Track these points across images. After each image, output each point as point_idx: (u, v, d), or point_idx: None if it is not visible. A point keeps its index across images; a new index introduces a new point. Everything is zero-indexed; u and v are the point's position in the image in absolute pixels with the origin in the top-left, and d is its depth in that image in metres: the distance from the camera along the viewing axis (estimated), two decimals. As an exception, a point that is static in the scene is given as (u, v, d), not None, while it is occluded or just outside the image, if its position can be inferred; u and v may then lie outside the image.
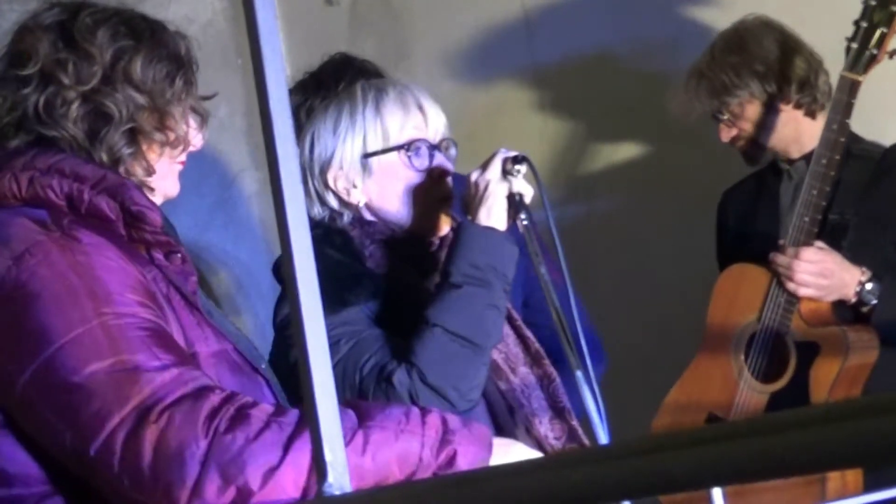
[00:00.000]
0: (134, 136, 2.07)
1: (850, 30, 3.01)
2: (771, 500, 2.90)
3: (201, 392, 1.80)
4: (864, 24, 2.99)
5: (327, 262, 2.53)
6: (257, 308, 4.12)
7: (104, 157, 2.04)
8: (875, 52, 2.98)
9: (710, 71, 3.23)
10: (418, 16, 4.42)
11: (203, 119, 2.19)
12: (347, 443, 1.82)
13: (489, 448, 1.95)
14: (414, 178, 2.63)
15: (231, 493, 1.75)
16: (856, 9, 3.02)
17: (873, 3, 2.97)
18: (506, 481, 0.92)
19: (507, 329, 2.65)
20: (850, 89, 2.98)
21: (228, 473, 1.74)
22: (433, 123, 2.66)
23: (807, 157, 3.15)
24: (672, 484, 0.78)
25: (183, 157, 2.17)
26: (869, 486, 2.82)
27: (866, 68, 2.98)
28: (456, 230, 2.58)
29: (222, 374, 1.99)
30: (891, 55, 2.99)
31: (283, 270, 1.15)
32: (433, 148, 2.65)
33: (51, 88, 2.05)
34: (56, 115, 2.04)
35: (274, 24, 1.19)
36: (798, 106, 3.21)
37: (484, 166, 2.57)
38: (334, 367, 2.46)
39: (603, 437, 2.33)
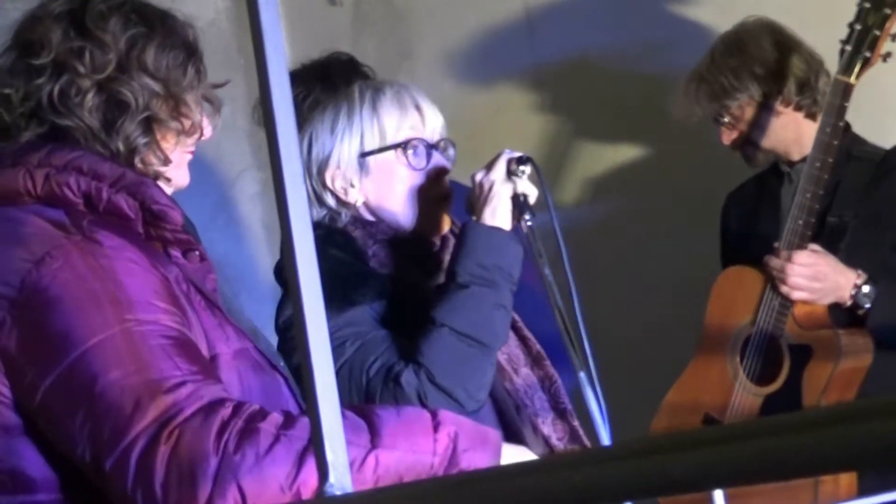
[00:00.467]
0: (149, 124, 2.04)
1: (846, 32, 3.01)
2: (761, 502, 2.90)
3: (213, 406, 1.77)
4: (858, 27, 2.98)
5: (331, 262, 2.53)
6: (258, 309, 4.12)
7: (120, 147, 2.01)
8: (868, 55, 2.97)
9: (709, 74, 3.23)
10: (421, 16, 4.42)
11: (215, 107, 2.17)
12: (359, 466, 1.81)
13: (498, 453, 1.94)
14: (411, 177, 2.63)
15: None
16: (853, 10, 3.02)
17: (867, 5, 2.97)
18: (507, 482, 0.92)
19: (509, 331, 2.66)
20: (844, 92, 2.97)
21: (240, 491, 1.73)
22: (430, 123, 2.66)
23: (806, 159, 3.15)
24: (673, 485, 0.78)
25: (192, 147, 2.14)
26: (865, 490, 2.82)
27: (860, 71, 2.98)
28: (460, 230, 2.58)
29: (245, 373, 1.97)
30: (884, 58, 2.99)
31: (285, 272, 1.16)
32: (431, 147, 2.65)
33: (65, 77, 2.01)
34: (71, 105, 2.01)
35: (277, 23, 1.19)
36: (798, 108, 3.20)
37: (488, 167, 2.57)
38: (340, 368, 2.47)
39: (605, 438, 2.33)
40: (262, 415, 1.80)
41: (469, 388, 2.45)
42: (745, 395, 3.10)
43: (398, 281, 2.60)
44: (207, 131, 2.15)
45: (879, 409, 0.72)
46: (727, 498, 1.82)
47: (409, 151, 2.63)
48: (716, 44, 3.30)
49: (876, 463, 0.73)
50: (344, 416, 1.81)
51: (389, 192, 2.64)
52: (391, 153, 2.63)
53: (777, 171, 3.33)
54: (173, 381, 1.78)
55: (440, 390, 2.42)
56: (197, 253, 2.03)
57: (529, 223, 2.53)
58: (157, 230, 1.98)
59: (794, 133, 3.22)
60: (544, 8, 4.15)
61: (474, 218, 2.57)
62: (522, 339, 2.68)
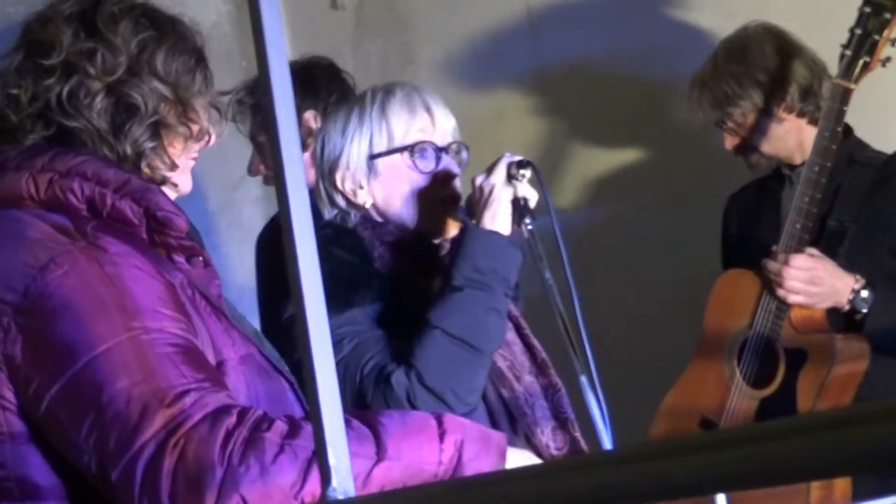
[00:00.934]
0: (157, 129, 2.03)
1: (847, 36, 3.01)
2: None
3: (218, 414, 1.77)
4: (859, 32, 2.98)
5: (334, 263, 2.54)
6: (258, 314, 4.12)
7: (128, 150, 2.00)
8: (868, 59, 2.97)
9: (712, 81, 3.23)
10: (423, 20, 4.42)
11: (220, 114, 2.16)
12: (365, 479, 1.80)
13: (503, 456, 1.94)
14: (419, 180, 2.64)
15: None
16: (849, 16, 3.02)
17: (868, 10, 2.97)
18: (510, 486, 0.92)
19: (513, 337, 2.65)
20: (843, 97, 2.97)
21: (244, 502, 1.72)
22: (441, 126, 2.66)
23: None
24: (675, 489, 0.78)
25: (197, 153, 2.13)
26: (859, 495, 2.82)
27: (859, 76, 2.97)
28: (459, 234, 2.59)
29: (251, 378, 1.97)
30: (883, 63, 2.99)
31: (288, 275, 1.15)
32: (440, 150, 2.65)
33: (75, 79, 2.00)
34: (80, 106, 2.00)
35: (279, 27, 1.19)
36: (801, 114, 3.20)
37: (489, 170, 2.57)
38: (336, 366, 2.47)
39: (607, 442, 2.33)
40: (267, 422, 1.79)
41: (459, 392, 2.45)
42: (742, 398, 3.10)
43: (401, 283, 2.60)
44: (213, 138, 2.15)
45: (877, 414, 0.72)
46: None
47: (417, 154, 2.63)
48: (718, 49, 3.30)
49: (874, 468, 0.73)
50: (349, 424, 1.82)
51: (396, 195, 2.64)
52: (399, 156, 2.63)
53: (779, 174, 3.33)
54: (179, 390, 1.77)
55: (429, 392, 2.42)
56: (201, 259, 2.01)
57: (530, 227, 2.53)
58: (161, 236, 1.97)
59: (796, 139, 3.22)
60: (546, 12, 4.15)
61: (474, 221, 2.57)
62: (528, 347, 2.68)
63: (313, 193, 2.55)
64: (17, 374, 1.83)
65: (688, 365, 3.25)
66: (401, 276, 2.60)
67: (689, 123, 3.31)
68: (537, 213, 2.55)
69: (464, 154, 2.70)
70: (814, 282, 3.00)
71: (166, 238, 1.97)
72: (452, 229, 2.67)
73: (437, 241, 2.68)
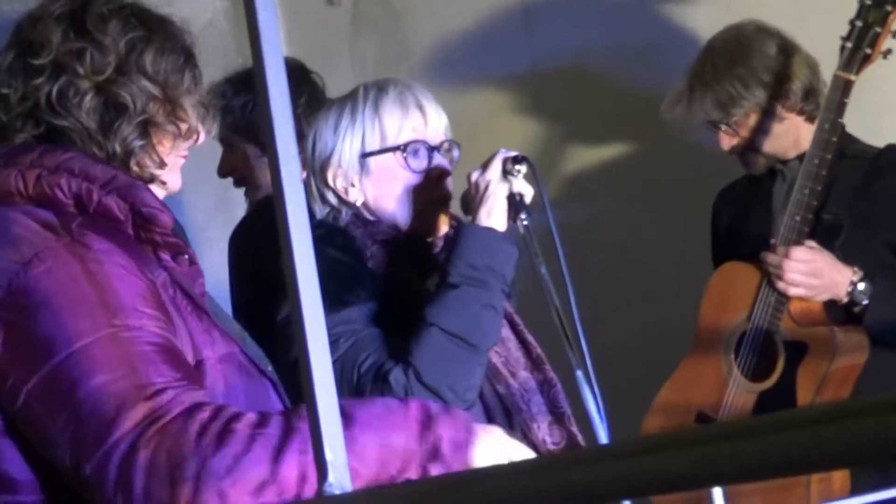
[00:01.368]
0: (146, 128, 2.05)
1: (846, 30, 3.01)
2: (755, 502, 2.90)
3: (192, 410, 1.78)
4: (859, 24, 2.99)
5: (327, 263, 2.54)
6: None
7: (117, 149, 2.02)
8: (869, 51, 2.97)
9: (715, 82, 3.20)
10: (419, 16, 4.42)
11: (209, 113, 2.17)
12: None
13: (472, 431, 1.94)
14: (411, 178, 2.63)
15: None
16: (852, 8, 3.02)
17: (868, 2, 2.97)
18: (506, 481, 0.92)
19: (508, 333, 2.65)
20: (844, 88, 2.98)
21: (220, 492, 1.73)
22: (433, 124, 2.65)
23: (800, 157, 3.14)
24: (672, 483, 0.79)
25: (186, 151, 2.15)
26: (858, 489, 2.82)
27: (860, 68, 2.98)
28: (455, 231, 2.58)
29: (231, 378, 1.98)
30: (885, 55, 2.99)
31: (284, 271, 1.16)
32: (432, 149, 2.65)
33: (64, 78, 2.02)
34: (69, 106, 2.01)
35: (275, 24, 1.19)
36: (801, 113, 3.20)
37: (484, 166, 2.57)
38: (333, 364, 2.47)
39: (603, 437, 2.34)
40: (237, 416, 1.80)
41: (456, 388, 2.45)
42: (739, 392, 3.10)
43: (395, 281, 2.60)
44: (202, 136, 2.16)
45: (876, 407, 0.72)
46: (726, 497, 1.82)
47: (410, 153, 2.63)
48: (713, 49, 3.27)
49: (874, 460, 0.73)
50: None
51: (388, 194, 2.64)
52: (391, 155, 2.63)
53: (770, 168, 3.32)
54: (157, 388, 1.79)
55: (427, 389, 2.42)
56: (186, 257, 2.02)
57: (525, 222, 2.53)
58: (146, 233, 1.98)
59: (794, 137, 3.22)
60: (542, 9, 4.15)
61: (469, 218, 2.57)
62: (523, 342, 2.68)
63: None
64: None
65: (683, 359, 3.25)
66: (394, 275, 2.60)
67: (685, 124, 3.29)
68: (533, 208, 2.55)
69: (455, 152, 2.70)
70: (814, 274, 3.01)
71: (152, 234, 1.98)
72: (444, 228, 2.67)
73: (429, 240, 2.68)
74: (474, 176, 2.58)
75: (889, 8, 2.96)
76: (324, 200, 2.68)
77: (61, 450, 1.79)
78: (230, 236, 3.66)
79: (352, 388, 2.45)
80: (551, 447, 2.58)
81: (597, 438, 2.35)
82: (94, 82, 2.02)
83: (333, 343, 2.47)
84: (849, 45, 2.99)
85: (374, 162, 2.63)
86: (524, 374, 2.63)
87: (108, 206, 1.96)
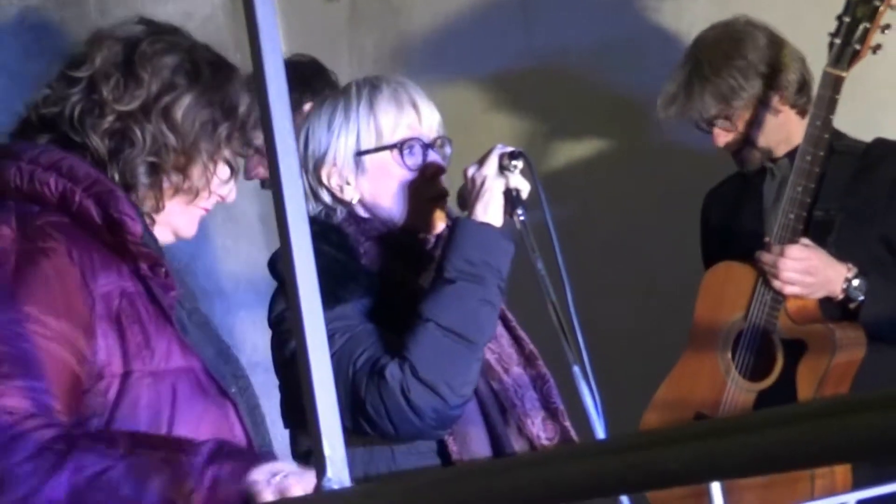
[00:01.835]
0: (155, 169, 2.10)
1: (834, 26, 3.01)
2: (759, 498, 2.91)
3: None
4: (847, 20, 2.98)
5: (322, 259, 2.53)
6: (256, 305, 4.12)
7: (117, 178, 2.08)
8: (858, 47, 2.97)
9: (715, 76, 3.19)
10: (417, 11, 4.42)
11: (234, 173, 2.22)
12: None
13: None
14: (407, 176, 2.63)
15: None
16: (838, 4, 3.01)
17: None
18: (504, 476, 0.92)
19: (501, 329, 2.65)
20: (834, 85, 2.97)
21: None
22: (427, 121, 2.65)
23: (790, 155, 3.14)
24: (671, 478, 0.79)
25: (209, 205, 2.20)
26: (860, 483, 2.82)
27: (849, 64, 2.97)
28: (451, 226, 2.58)
29: (180, 393, 2.03)
30: (874, 50, 2.99)
31: (281, 266, 1.16)
32: (427, 146, 2.64)
33: (93, 97, 2.09)
34: (87, 124, 2.08)
35: (273, 19, 1.19)
36: (794, 106, 3.20)
37: (480, 162, 2.57)
38: (328, 360, 2.47)
39: (600, 432, 2.34)
40: (35, 428, 1.89)
41: (453, 384, 2.44)
42: (738, 392, 3.09)
43: (389, 278, 2.60)
44: (228, 194, 2.21)
45: (876, 402, 0.73)
46: (724, 492, 1.82)
47: (406, 151, 2.62)
48: (705, 45, 3.25)
49: (873, 455, 0.74)
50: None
51: (384, 191, 2.63)
52: (387, 152, 2.62)
53: (759, 166, 3.32)
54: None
55: (423, 384, 2.42)
56: (163, 269, 2.07)
57: (522, 218, 2.53)
58: (118, 238, 2.04)
59: (786, 132, 3.21)
60: (540, 4, 4.15)
61: (465, 213, 2.57)
62: (516, 339, 2.68)
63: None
64: None
65: (678, 358, 3.24)
66: (388, 272, 2.60)
67: (680, 118, 3.28)
68: (529, 204, 2.55)
69: (448, 148, 2.69)
70: (809, 272, 3.01)
71: (124, 241, 2.03)
72: (441, 224, 2.66)
73: (423, 237, 2.68)
74: (471, 171, 2.57)
75: (877, 3, 2.95)
76: (317, 198, 2.67)
77: None
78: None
79: (347, 383, 2.44)
80: (545, 442, 2.59)
81: (594, 434, 2.35)
82: (116, 110, 2.08)
83: (329, 339, 2.46)
84: (838, 41, 2.99)
85: (370, 160, 2.62)
86: (517, 370, 2.63)
87: (88, 208, 2.03)
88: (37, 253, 1.96)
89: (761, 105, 3.19)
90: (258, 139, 2.19)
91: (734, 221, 3.35)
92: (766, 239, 3.05)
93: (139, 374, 2.00)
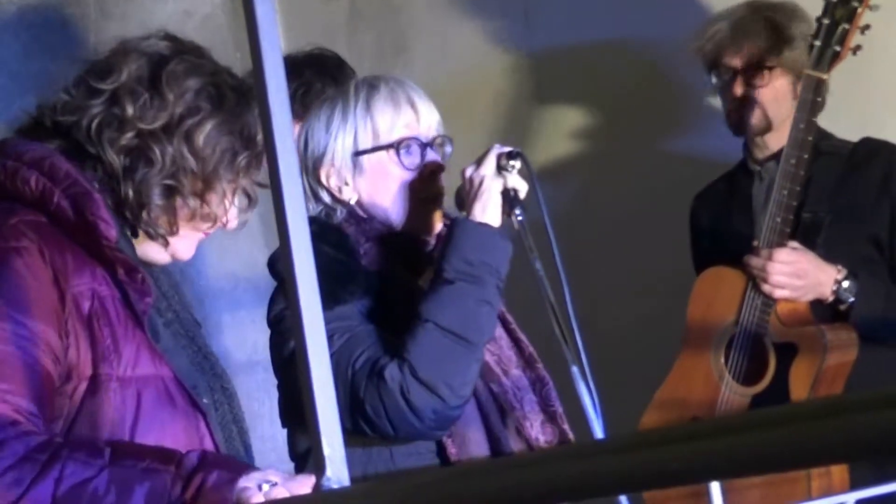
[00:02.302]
0: (172, 192, 2.08)
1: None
2: (756, 498, 2.91)
3: None
4: (826, 21, 2.97)
5: (322, 259, 2.53)
6: (256, 304, 4.12)
7: (130, 195, 2.06)
8: (838, 48, 2.95)
9: (786, 20, 3.16)
10: (417, 8, 4.42)
11: (250, 203, 2.20)
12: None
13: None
14: (405, 176, 2.63)
15: None
16: (817, 6, 3.01)
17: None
18: (502, 476, 0.92)
19: (500, 332, 2.65)
20: (816, 87, 2.97)
21: None
22: (425, 120, 2.65)
23: (776, 157, 3.13)
24: (670, 478, 0.79)
25: (210, 230, 2.18)
26: (857, 483, 2.82)
27: (830, 66, 2.96)
28: (450, 226, 2.58)
29: (145, 400, 2.02)
30: (854, 51, 2.98)
31: (281, 266, 1.16)
32: (425, 146, 2.64)
33: (114, 111, 2.07)
34: (104, 138, 2.06)
35: (273, 18, 1.19)
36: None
37: (478, 162, 2.57)
38: (327, 360, 2.48)
39: (598, 432, 2.34)
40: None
41: (452, 384, 2.44)
42: (733, 397, 3.09)
43: (388, 278, 2.59)
44: (234, 223, 2.19)
45: (871, 402, 0.73)
46: (724, 492, 1.82)
47: (403, 151, 2.62)
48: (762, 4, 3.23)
49: (872, 455, 0.74)
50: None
51: (382, 191, 2.63)
52: (384, 152, 2.62)
53: (746, 169, 3.31)
54: None
55: (423, 385, 2.42)
56: (140, 275, 2.06)
57: (520, 218, 2.53)
58: (92, 241, 2.02)
59: (786, 110, 3.17)
60: (541, 2, 4.15)
61: (464, 214, 2.57)
62: (515, 341, 2.68)
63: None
64: None
65: (673, 364, 3.24)
66: (387, 272, 2.60)
67: (714, 52, 3.22)
68: (527, 204, 2.55)
69: (447, 147, 2.69)
70: (798, 275, 3.00)
71: (100, 246, 2.02)
72: (438, 225, 2.66)
73: (422, 237, 2.67)
74: (468, 171, 2.57)
75: (856, 4, 2.94)
76: (317, 198, 2.67)
77: None
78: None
79: (346, 383, 2.44)
80: (544, 445, 2.59)
81: (592, 434, 2.35)
82: (137, 128, 2.06)
83: (328, 339, 2.46)
84: (817, 43, 2.97)
85: (367, 160, 2.62)
86: (516, 373, 2.63)
87: (64, 209, 2.02)
88: (9, 252, 1.96)
89: (794, 76, 3.16)
90: None
91: (725, 225, 3.34)
92: (755, 243, 3.04)
93: (105, 377, 1.99)
